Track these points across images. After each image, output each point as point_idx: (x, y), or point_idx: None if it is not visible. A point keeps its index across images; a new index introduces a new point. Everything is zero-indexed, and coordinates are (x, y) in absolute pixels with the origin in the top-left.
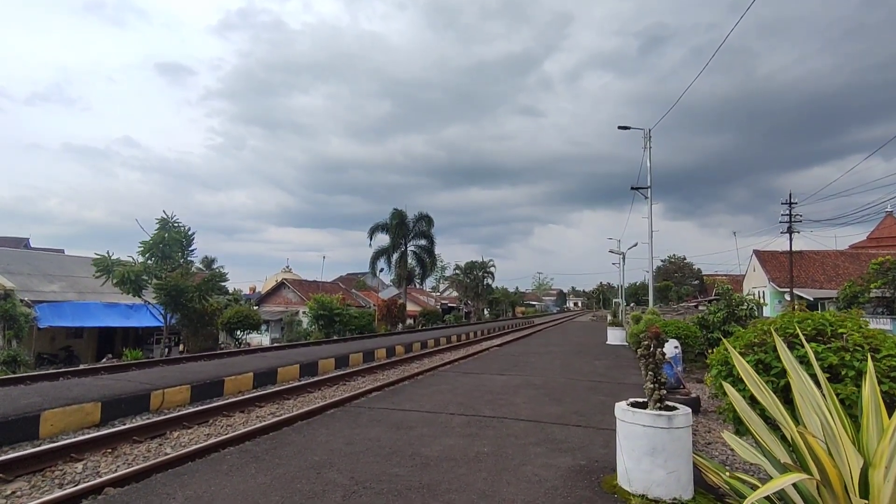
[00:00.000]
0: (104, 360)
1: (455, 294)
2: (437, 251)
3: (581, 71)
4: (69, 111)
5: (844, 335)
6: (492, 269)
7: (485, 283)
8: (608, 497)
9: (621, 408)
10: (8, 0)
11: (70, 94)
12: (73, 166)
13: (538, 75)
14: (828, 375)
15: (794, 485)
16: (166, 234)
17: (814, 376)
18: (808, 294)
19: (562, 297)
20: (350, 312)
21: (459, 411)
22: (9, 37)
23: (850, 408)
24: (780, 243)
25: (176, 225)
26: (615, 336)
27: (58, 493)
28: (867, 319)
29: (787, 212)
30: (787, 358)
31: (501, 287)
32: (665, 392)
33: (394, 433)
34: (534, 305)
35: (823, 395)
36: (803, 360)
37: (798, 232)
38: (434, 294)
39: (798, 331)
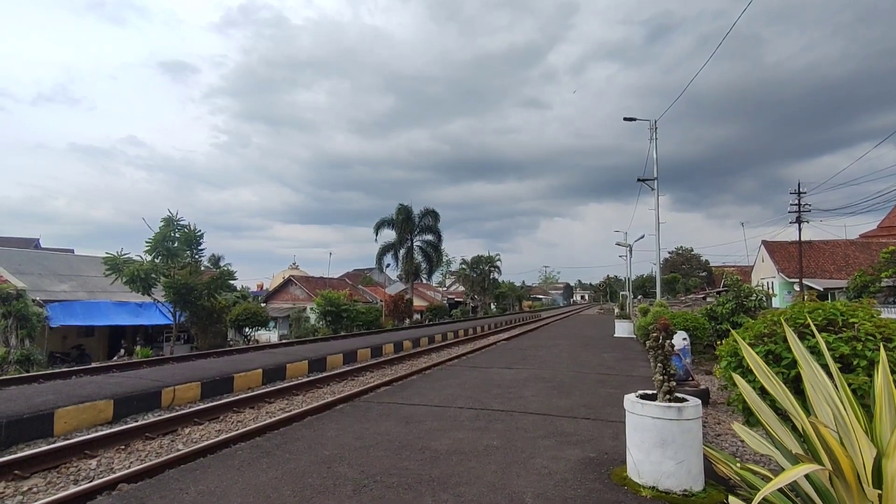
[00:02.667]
0: (115, 357)
1: (461, 289)
2: (442, 246)
3: (586, 62)
4: (74, 111)
5: (856, 325)
6: (498, 263)
7: (491, 277)
8: (618, 489)
9: (630, 400)
10: (10, 1)
11: (74, 93)
12: (79, 166)
13: (543, 67)
14: (839, 365)
15: (807, 476)
16: (171, 232)
17: (825, 366)
18: (818, 284)
19: (568, 290)
20: (357, 308)
21: (468, 405)
22: (12, 38)
23: (863, 398)
24: (788, 233)
25: (180, 222)
26: (623, 329)
27: (73, 490)
28: (879, 309)
29: (796, 201)
30: (797, 348)
31: (508, 281)
32: (674, 384)
33: (403, 427)
34: (540, 299)
35: (835, 386)
36: (814, 351)
37: (807, 222)
38: (440, 289)
39: (809, 321)
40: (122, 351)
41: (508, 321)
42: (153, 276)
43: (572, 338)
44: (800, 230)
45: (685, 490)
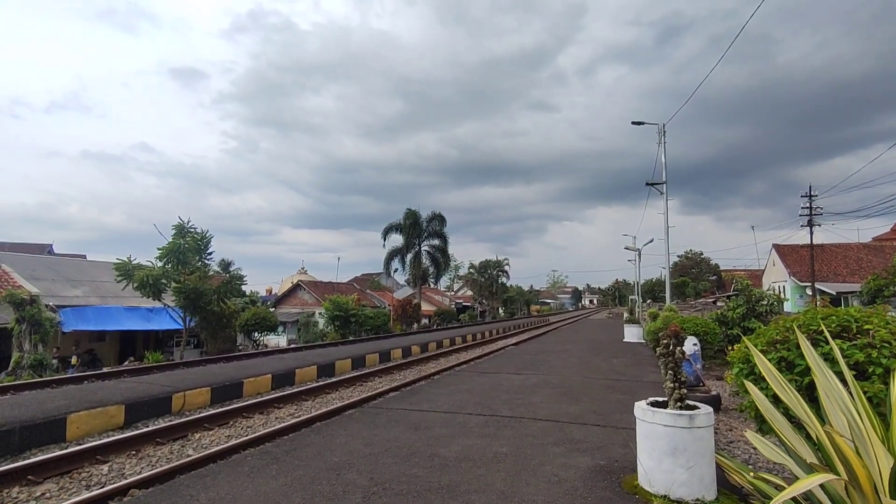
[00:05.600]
0: (126, 362)
1: (469, 293)
2: (450, 250)
3: (595, 64)
4: (86, 118)
5: (871, 331)
6: (506, 267)
7: (499, 281)
8: (629, 497)
9: (641, 407)
10: (24, 11)
11: (86, 101)
12: (91, 172)
13: (551, 69)
14: (854, 373)
15: (822, 485)
16: (182, 240)
17: (839, 374)
18: (831, 288)
19: (577, 294)
20: (365, 313)
21: (477, 411)
22: (26, 47)
23: (879, 406)
24: (800, 237)
25: (192, 229)
26: (632, 333)
27: (85, 495)
28: (894, 314)
29: (808, 204)
30: (811, 355)
31: (516, 285)
32: (685, 391)
33: (412, 434)
34: (549, 303)
35: (850, 394)
36: (828, 358)
37: (819, 225)
38: (448, 293)
39: (822, 327)
40: (132, 357)
41: (517, 325)
42: (163, 281)
43: (581, 342)
44: (811, 233)
45: (697, 499)
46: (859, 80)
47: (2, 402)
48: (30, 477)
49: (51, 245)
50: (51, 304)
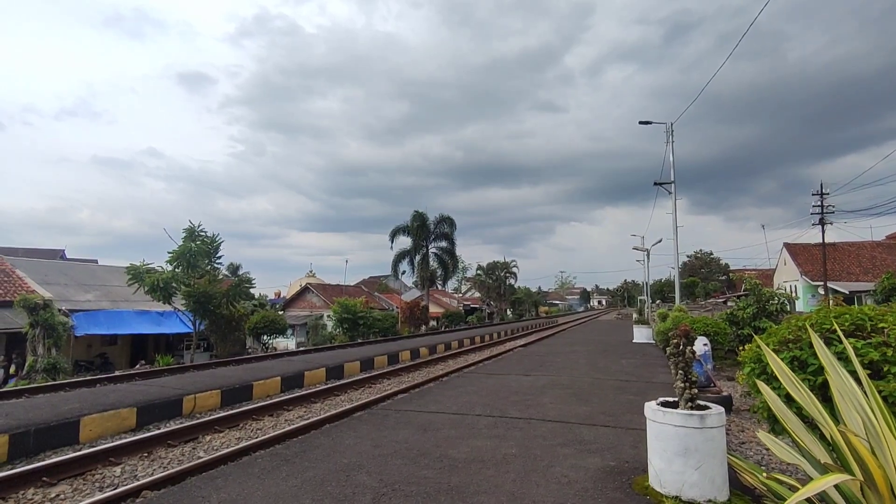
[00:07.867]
0: (137, 366)
1: (477, 295)
2: (458, 252)
3: (602, 63)
4: (95, 124)
5: (885, 330)
6: (514, 269)
7: (507, 283)
8: (640, 498)
9: (651, 408)
10: (33, 19)
11: (95, 107)
12: (101, 178)
13: (557, 70)
14: (868, 372)
15: (836, 486)
16: (193, 244)
17: (853, 373)
18: (844, 287)
19: (585, 295)
20: (373, 315)
21: (486, 412)
22: (36, 55)
23: (894, 405)
24: (811, 236)
25: (202, 233)
26: (641, 334)
27: (98, 496)
28: None
29: (819, 203)
30: (824, 354)
31: (524, 287)
32: (696, 391)
33: (421, 435)
34: (557, 305)
35: (865, 393)
36: (841, 357)
37: (831, 223)
38: (456, 295)
39: (835, 326)
40: (143, 360)
41: (525, 327)
42: (173, 285)
43: (590, 343)
44: (823, 232)
45: (709, 500)
46: (871, 76)
47: (17, 405)
48: (44, 478)
49: (63, 250)
50: (63, 308)
